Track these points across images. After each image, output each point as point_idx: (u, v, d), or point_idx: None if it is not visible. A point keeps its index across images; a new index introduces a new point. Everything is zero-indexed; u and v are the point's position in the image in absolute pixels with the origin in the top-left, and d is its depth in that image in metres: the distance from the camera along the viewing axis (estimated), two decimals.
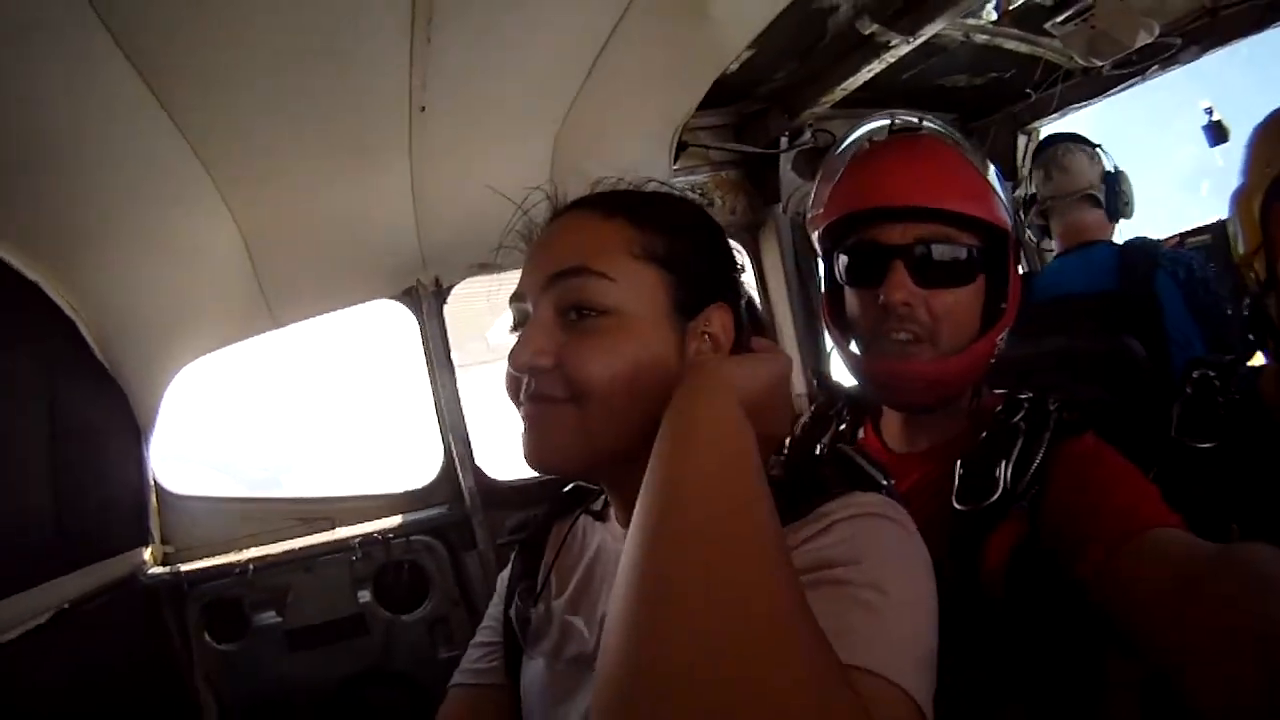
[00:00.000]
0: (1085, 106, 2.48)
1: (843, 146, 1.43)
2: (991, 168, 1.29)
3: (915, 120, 1.36)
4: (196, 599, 2.04)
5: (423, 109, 1.60)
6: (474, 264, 2.32)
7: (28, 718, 1.07)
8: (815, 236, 1.40)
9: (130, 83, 1.18)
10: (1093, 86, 2.40)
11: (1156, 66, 2.21)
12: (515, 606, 1.08)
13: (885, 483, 0.87)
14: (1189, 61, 2.16)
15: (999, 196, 1.25)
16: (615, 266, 0.89)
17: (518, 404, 0.91)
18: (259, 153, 1.55)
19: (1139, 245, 2.08)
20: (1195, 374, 1.32)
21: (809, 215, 1.45)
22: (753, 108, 2.51)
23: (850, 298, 1.31)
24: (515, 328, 0.93)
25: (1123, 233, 2.23)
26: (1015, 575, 1.09)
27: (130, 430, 1.81)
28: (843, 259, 1.30)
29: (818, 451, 0.89)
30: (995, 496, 1.12)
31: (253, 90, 1.36)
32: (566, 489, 1.19)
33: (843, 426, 1.47)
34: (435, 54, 1.44)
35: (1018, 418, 1.19)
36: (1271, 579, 0.80)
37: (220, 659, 2.08)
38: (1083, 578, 1.01)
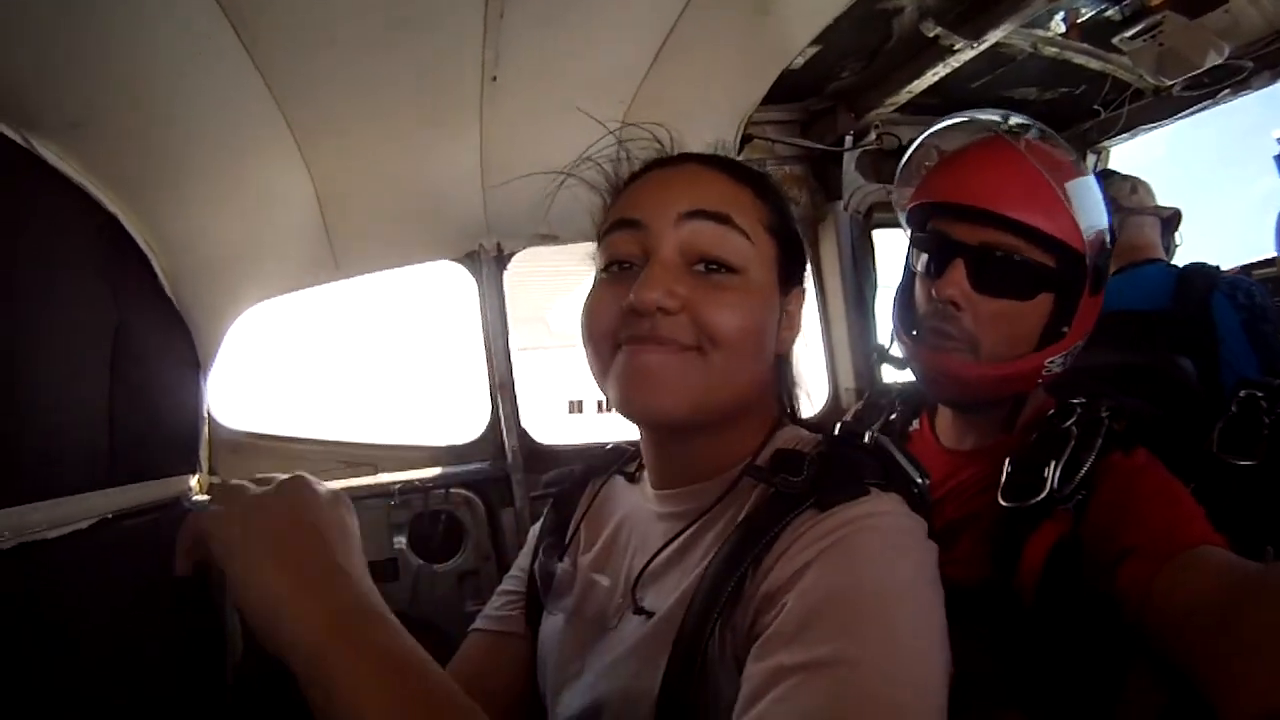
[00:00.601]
0: (1156, 128, 2.45)
1: (944, 125, 1.47)
2: (1092, 185, 1.29)
3: (1025, 124, 1.36)
4: None
5: (494, 79, 1.67)
6: (536, 233, 2.45)
7: (58, 618, 1.12)
8: (902, 217, 1.45)
9: (220, 30, 1.23)
10: (1162, 108, 2.38)
11: (1228, 90, 2.18)
12: (540, 560, 1.10)
13: (920, 481, 0.87)
14: (1261, 87, 2.13)
15: (1085, 217, 1.24)
16: (751, 229, 0.91)
17: (611, 345, 0.90)
18: (338, 110, 1.62)
19: (1197, 267, 2.06)
20: (1243, 393, 1.33)
21: (894, 199, 1.49)
22: (819, 105, 2.55)
23: (918, 284, 1.35)
24: (613, 265, 0.93)
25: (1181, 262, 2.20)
26: (1050, 576, 1.10)
27: (191, 364, 1.88)
28: (919, 246, 1.35)
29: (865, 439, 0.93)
30: (1042, 496, 1.13)
31: (336, 49, 1.43)
32: (608, 448, 1.22)
33: (893, 417, 1.52)
34: (507, 28, 1.50)
35: (1069, 422, 1.20)
36: None
37: None
38: (1121, 589, 1.02)
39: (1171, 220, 2.17)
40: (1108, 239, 1.30)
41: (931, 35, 1.99)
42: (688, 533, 0.92)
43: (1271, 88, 2.13)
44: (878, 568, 0.74)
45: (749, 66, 2.08)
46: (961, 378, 1.26)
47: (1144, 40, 1.99)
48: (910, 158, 1.46)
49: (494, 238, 2.44)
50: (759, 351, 0.92)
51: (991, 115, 1.39)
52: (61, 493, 1.16)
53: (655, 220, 0.89)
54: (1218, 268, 2.06)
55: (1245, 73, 2.09)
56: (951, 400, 1.36)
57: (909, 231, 1.41)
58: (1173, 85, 2.14)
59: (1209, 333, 1.93)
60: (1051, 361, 1.26)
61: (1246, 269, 2.40)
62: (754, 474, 0.88)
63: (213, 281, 1.84)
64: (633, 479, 1.12)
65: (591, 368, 0.95)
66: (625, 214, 0.92)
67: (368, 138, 1.78)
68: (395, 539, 2.29)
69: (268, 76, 1.41)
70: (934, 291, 1.25)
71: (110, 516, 1.29)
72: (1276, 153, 2.20)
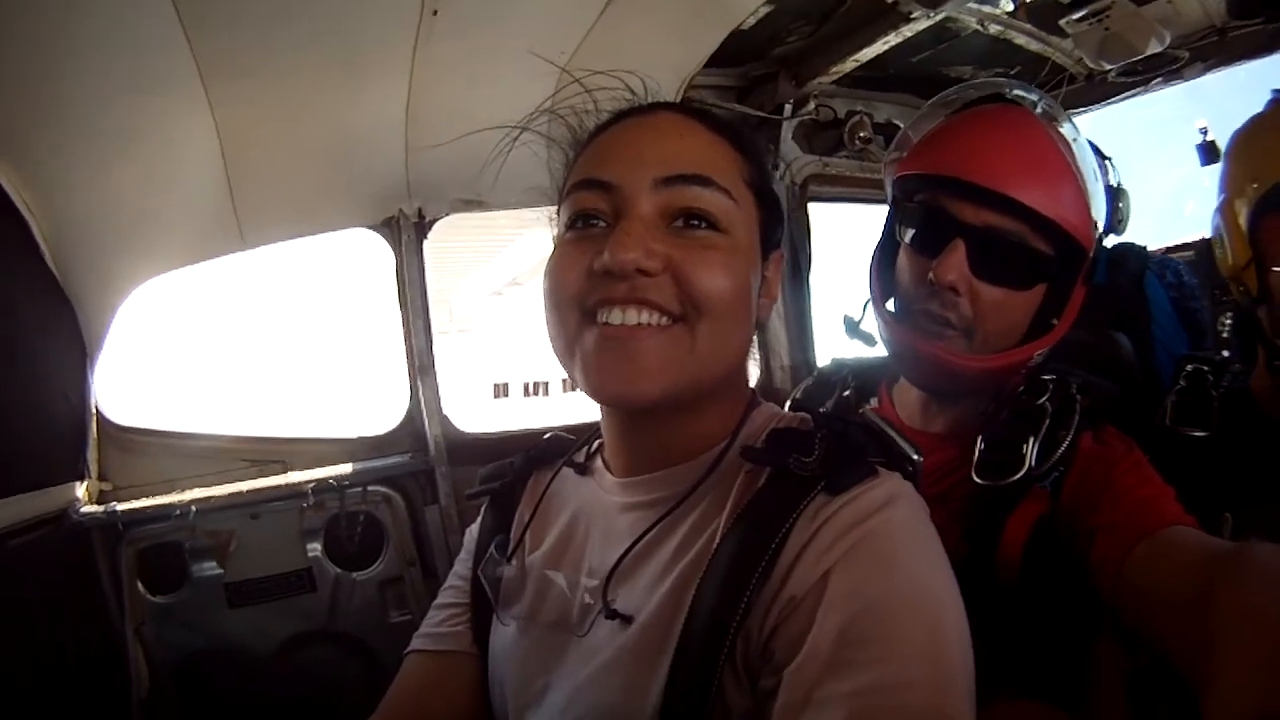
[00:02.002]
0: (1086, 112, 2.50)
1: (944, 99, 1.37)
2: (1095, 165, 1.24)
3: (1035, 97, 1.27)
4: (132, 543, 1.85)
5: (435, 12, 1.50)
6: (461, 198, 2.22)
7: None
8: (889, 181, 1.35)
9: None
10: (1095, 92, 2.43)
11: (1160, 79, 2.25)
12: (486, 563, 0.98)
13: (916, 458, 0.83)
14: (1193, 78, 2.21)
15: (1095, 204, 1.21)
16: (734, 187, 0.83)
17: (578, 313, 0.80)
18: (253, 39, 1.41)
19: (1128, 247, 2.12)
20: (1189, 368, 1.37)
21: (888, 158, 1.39)
22: (760, 70, 2.44)
23: (903, 257, 1.26)
24: (577, 223, 0.83)
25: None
26: (1033, 554, 1.08)
27: (76, 350, 1.63)
28: (908, 217, 1.24)
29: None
30: (1020, 474, 1.10)
31: None
32: (546, 438, 1.11)
33: (846, 394, 1.44)
34: None
35: (1043, 399, 1.17)
36: None
37: (154, 611, 1.88)
38: (1094, 566, 1.02)
39: (1113, 198, 2.24)
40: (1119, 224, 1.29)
41: (890, 1, 1.91)
42: (668, 519, 0.84)
43: (1199, 82, 2.22)
44: (908, 570, 0.70)
45: (700, 22, 1.98)
46: (953, 367, 1.20)
47: (1090, 24, 2.01)
48: (915, 124, 1.36)
49: (414, 202, 2.20)
50: (745, 319, 0.84)
51: (998, 82, 1.34)
52: None
53: (628, 182, 0.80)
54: (1145, 248, 2.14)
55: (1180, 63, 2.15)
56: (935, 388, 1.30)
57: (895, 197, 1.33)
58: (1109, 71, 2.19)
59: (1143, 310, 2.00)
60: (1040, 353, 1.23)
61: (1170, 250, 2.52)
62: (754, 456, 0.81)
63: (101, 251, 1.58)
64: (584, 470, 1.01)
65: (553, 341, 0.84)
66: (593, 173, 0.83)
67: (283, 77, 1.57)
68: (309, 546, 2.07)
69: None
70: (932, 274, 1.16)
71: None
72: (1199, 142, 2.31)
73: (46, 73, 1.18)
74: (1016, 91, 1.29)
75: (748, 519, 0.76)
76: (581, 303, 0.79)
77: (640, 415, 0.87)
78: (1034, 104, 1.26)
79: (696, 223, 0.80)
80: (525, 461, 1.09)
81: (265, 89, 1.57)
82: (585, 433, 1.04)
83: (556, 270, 0.82)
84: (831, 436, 0.80)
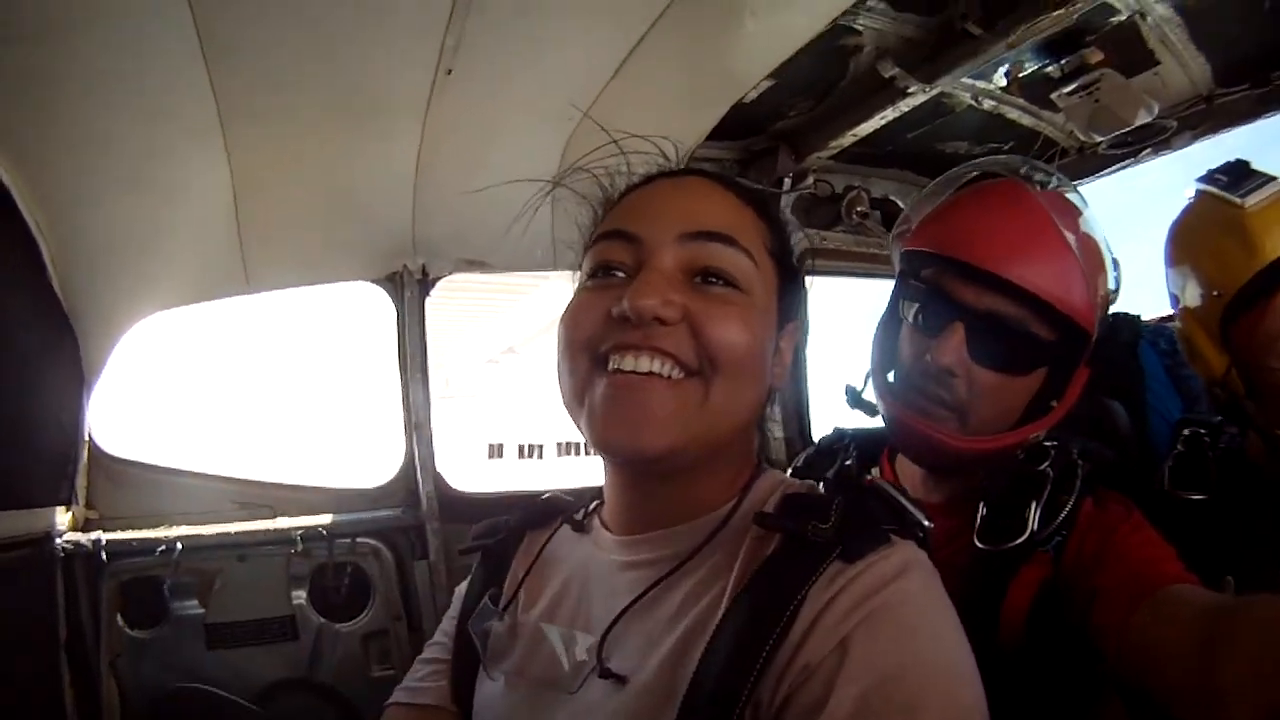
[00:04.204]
0: (1079, 185, 2.53)
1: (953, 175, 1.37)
2: (1101, 240, 1.24)
3: (1047, 175, 1.28)
4: (114, 574, 1.83)
5: (449, 72, 1.56)
6: (464, 258, 2.28)
7: None
8: (895, 253, 1.36)
9: None
10: (1087, 165, 2.48)
11: (1150, 149, 2.29)
12: (477, 615, 0.96)
13: (928, 524, 0.82)
14: (1181, 147, 2.24)
15: (1097, 283, 1.20)
16: (756, 251, 0.84)
17: (591, 359, 0.80)
18: (272, 83, 1.47)
19: (1121, 316, 2.12)
20: (1187, 431, 1.36)
21: (897, 230, 1.42)
22: (761, 145, 2.52)
23: (905, 332, 1.26)
24: (598, 273, 0.84)
25: None
26: (1037, 620, 1.07)
27: (74, 377, 1.64)
28: (911, 294, 1.25)
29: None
30: (1023, 538, 1.08)
31: (284, 11, 1.29)
32: (544, 498, 1.09)
33: (848, 462, 1.42)
34: (474, 16, 1.40)
35: (1044, 465, 1.15)
36: None
37: (131, 645, 1.86)
38: (1096, 628, 1.00)
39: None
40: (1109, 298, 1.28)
41: (888, 76, 1.99)
42: (669, 579, 0.81)
43: (1187, 150, 2.26)
44: (927, 640, 0.69)
45: (704, 95, 2.05)
46: (945, 449, 1.19)
47: (1080, 96, 2.06)
48: (924, 199, 1.39)
49: (419, 259, 2.25)
50: (758, 379, 0.84)
51: (1011, 160, 1.34)
52: None
53: (652, 234, 0.82)
54: (1139, 317, 2.14)
55: (1168, 132, 2.19)
56: (926, 465, 1.29)
57: (902, 270, 1.32)
58: (1100, 143, 2.24)
59: (1137, 378, 1.98)
60: (1036, 437, 1.20)
61: (1164, 319, 2.51)
62: (769, 521, 0.79)
63: (108, 280, 1.62)
64: (580, 528, 0.99)
65: (562, 389, 0.84)
66: (620, 225, 0.84)
67: (298, 125, 1.64)
68: (294, 593, 2.04)
69: (202, 28, 1.22)
70: (930, 355, 1.17)
71: None
72: None
73: (70, 96, 1.24)
74: (1026, 169, 1.29)
75: (760, 584, 0.75)
76: (595, 348, 0.80)
77: (645, 472, 0.86)
78: (1044, 183, 1.26)
79: (715, 280, 0.80)
80: (520, 519, 1.08)
81: (280, 134, 1.63)
82: (584, 495, 1.03)
83: (573, 314, 0.83)
84: (848, 504, 0.79)
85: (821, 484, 0.88)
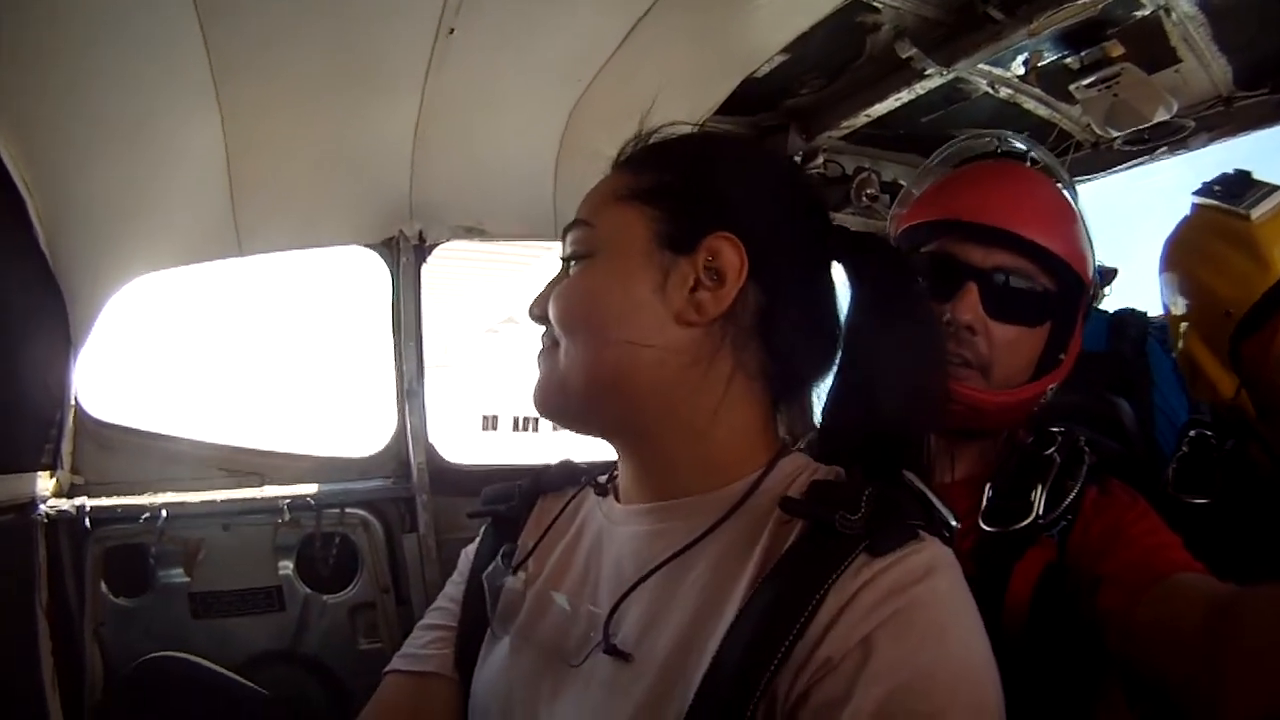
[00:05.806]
0: (1091, 179, 2.52)
1: (945, 154, 1.50)
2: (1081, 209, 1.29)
3: (1024, 148, 1.37)
4: (99, 541, 1.80)
5: (451, 31, 1.52)
6: (462, 225, 2.23)
7: None
8: (893, 236, 1.39)
9: None
10: (1101, 160, 2.44)
11: (1165, 148, 2.26)
12: (491, 571, 0.95)
13: (955, 524, 0.82)
14: (1198, 147, 2.22)
15: (1089, 246, 1.25)
16: (597, 213, 0.89)
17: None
18: (268, 42, 1.43)
19: (1129, 313, 2.11)
20: (1193, 433, 1.36)
21: (893, 214, 1.43)
22: (771, 121, 2.45)
23: None
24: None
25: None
26: (1040, 604, 1.08)
27: (60, 339, 1.60)
28: (916, 267, 1.26)
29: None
30: (1027, 521, 1.11)
31: None
32: (558, 462, 1.10)
33: None
34: None
35: (1050, 450, 1.18)
36: None
37: (115, 613, 1.84)
38: (1101, 615, 1.01)
39: (1107, 275, 2.23)
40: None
41: (905, 57, 1.94)
42: (681, 556, 0.81)
43: (1201, 152, 2.23)
44: (954, 643, 0.69)
45: (715, 67, 2.00)
46: (976, 403, 1.21)
47: (1099, 90, 2.02)
48: (919, 179, 1.41)
49: (416, 225, 2.18)
50: (603, 328, 0.84)
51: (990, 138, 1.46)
52: None
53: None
54: (1146, 314, 2.12)
55: (1185, 132, 2.17)
56: (958, 427, 1.29)
57: (903, 250, 1.33)
58: (1115, 138, 2.21)
59: (1144, 376, 1.98)
60: (1051, 389, 1.25)
61: None
62: (796, 509, 0.78)
63: (97, 240, 1.57)
64: (604, 491, 0.99)
65: None
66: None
67: (294, 86, 1.59)
68: (281, 563, 2.02)
69: None
70: (949, 314, 1.19)
71: None
72: None
73: (58, 52, 1.19)
74: (1012, 141, 1.40)
75: (784, 572, 0.74)
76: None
77: (615, 438, 0.91)
78: (1025, 155, 1.37)
79: (571, 261, 0.89)
80: (533, 485, 1.08)
81: (275, 95, 1.58)
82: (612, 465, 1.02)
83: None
84: (879, 495, 0.77)
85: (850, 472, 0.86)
